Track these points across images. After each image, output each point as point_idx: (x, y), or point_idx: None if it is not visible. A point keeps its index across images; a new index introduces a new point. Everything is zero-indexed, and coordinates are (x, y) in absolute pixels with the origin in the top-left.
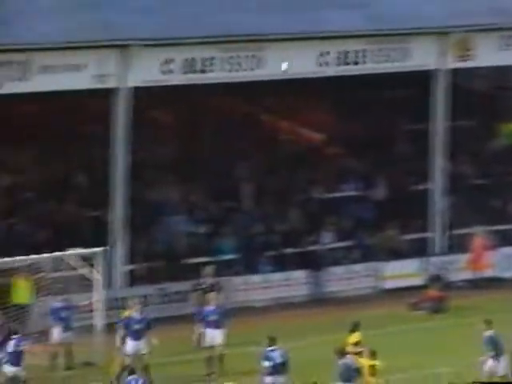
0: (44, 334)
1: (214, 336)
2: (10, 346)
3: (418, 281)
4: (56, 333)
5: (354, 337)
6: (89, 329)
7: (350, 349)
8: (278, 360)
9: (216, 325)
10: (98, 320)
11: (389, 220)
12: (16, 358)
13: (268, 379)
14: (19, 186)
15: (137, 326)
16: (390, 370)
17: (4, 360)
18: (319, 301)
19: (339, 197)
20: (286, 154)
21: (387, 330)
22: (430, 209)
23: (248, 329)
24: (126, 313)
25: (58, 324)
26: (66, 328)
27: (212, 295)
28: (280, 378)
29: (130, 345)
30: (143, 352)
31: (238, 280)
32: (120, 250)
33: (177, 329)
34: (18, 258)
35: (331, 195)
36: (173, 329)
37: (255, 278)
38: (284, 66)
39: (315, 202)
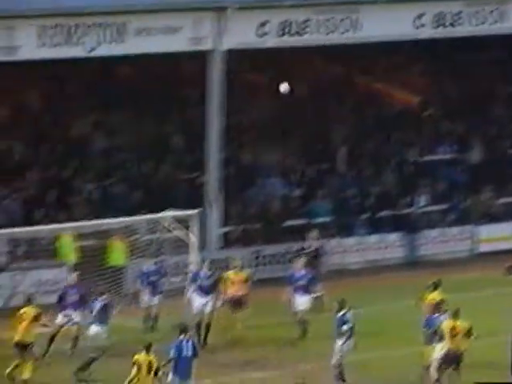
0: (136, 297)
1: (302, 301)
2: (96, 306)
3: None
4: (145, 296)
5: (434, 296)
6: (184, 291)
7: (428, 307)
8: (352, 323)
9: (304, 290)
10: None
11: (484, 183)
12: (101, 319)
13: (340, 342)
14: (116, 148)
15: (205, 282)
16: (483, 334)
17: (89, 321)
18: (414, 263)
19: (434, 160)
20: (381, 116)
21: (482, 294)
22: None
23: (343, 292)
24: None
25: (146, 288)
26: (155, 292)
27: (302, 260)
28: (351, 342)
29: (197, 301)
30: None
31: (332, 243)
32: (215, 212)
33: (271, 291)
34: (113, 220)
35: (426, 158)
36: (267, 291)
37: (350, 241)
38: (283, 87)
39: (410, 164)
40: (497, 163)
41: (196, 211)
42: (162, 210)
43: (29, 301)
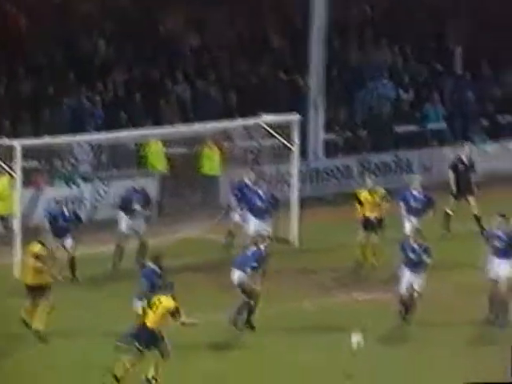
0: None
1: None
2: None
3: None
4: (234, 214)
5: None
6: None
7: None
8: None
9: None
10: (293, 193)
11: None
12: None
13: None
14: (210, 46)
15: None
16: None
17: None
18: None
19: None
20: (500, 11)
21: None
22: None
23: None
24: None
25: (237, 204)
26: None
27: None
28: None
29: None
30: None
31: (447, 151)
32: (317, 117)
33: None
34: (206, 124)
35: None
36: None
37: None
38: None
39: None
40: None
41: (297, 116)
42: (260, 114)
43: None
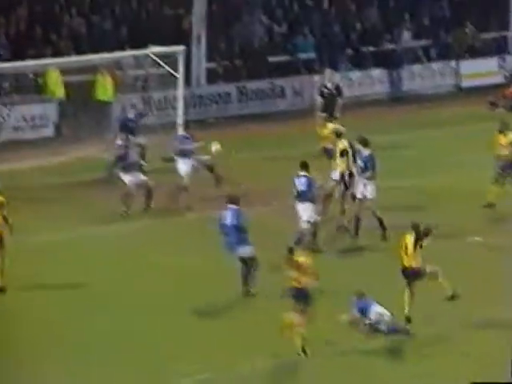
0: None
1: None
2: None
3: (496, 79)
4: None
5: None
6: (168, 126)
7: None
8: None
9: None
10: (179, 117)
11: (467, 18)
12: None
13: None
14: None
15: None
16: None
17: None
18: (398, 99)
19: None
20: None
21: (466, 128)
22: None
23: None
24: None
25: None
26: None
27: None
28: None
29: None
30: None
31: (317, 78)
32: (200, 48)
33: (256, 127)
34: (101, 55)
35: None
36: (252, 127)
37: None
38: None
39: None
40: None
41: (182, 47)
42: (149, 46)
43: None
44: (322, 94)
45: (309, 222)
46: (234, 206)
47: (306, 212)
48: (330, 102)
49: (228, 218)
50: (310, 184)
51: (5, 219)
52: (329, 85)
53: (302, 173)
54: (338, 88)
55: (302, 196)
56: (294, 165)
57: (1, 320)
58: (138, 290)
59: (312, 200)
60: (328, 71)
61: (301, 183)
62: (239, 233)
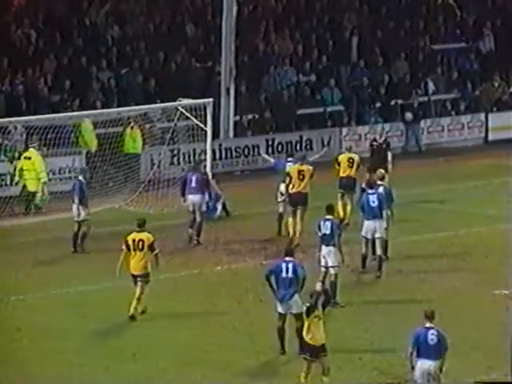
0: (152, 184)
1: None
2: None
3: None
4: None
5: None
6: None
7: None
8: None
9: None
10: (207, 169)
11: (495, 71)
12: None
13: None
14: (129, 37)
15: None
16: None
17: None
18: (426, 151)
19: (445, 48)
20: (393, 4)
21: (492, 181)
22: None
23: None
24: None
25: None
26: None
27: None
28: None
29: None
30: None
31: (344, 130)
32: (228, 101)
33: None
34: (128, 107)
35: (438, 46)
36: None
37: (363, 129)
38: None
39: (421, 53)
40: (508, 51)
41: (210, 100)
42: (176, 99)
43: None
44: (371, 147)
45: (333, 267)
46: (291, 259)
47: (330, 256)
48: (379, 155)
49: (287, 270)
50: (334, 228)
51: None
52: (378, 138)
53: (328, 216)
54: (386, 141)
55: (325, 240)
56: (320, 214)
57: None
58: None
59: (336, 244)
60: (380, 126)
61: (326, 227)
62: (296, 286)
